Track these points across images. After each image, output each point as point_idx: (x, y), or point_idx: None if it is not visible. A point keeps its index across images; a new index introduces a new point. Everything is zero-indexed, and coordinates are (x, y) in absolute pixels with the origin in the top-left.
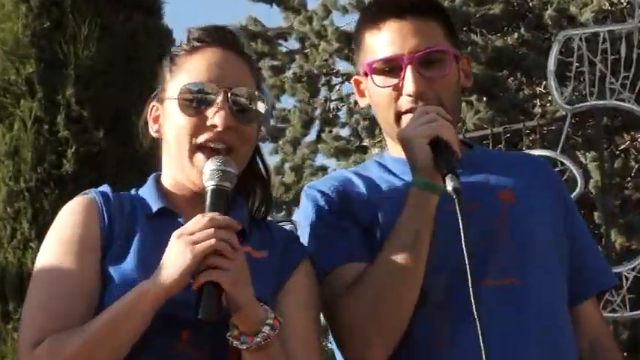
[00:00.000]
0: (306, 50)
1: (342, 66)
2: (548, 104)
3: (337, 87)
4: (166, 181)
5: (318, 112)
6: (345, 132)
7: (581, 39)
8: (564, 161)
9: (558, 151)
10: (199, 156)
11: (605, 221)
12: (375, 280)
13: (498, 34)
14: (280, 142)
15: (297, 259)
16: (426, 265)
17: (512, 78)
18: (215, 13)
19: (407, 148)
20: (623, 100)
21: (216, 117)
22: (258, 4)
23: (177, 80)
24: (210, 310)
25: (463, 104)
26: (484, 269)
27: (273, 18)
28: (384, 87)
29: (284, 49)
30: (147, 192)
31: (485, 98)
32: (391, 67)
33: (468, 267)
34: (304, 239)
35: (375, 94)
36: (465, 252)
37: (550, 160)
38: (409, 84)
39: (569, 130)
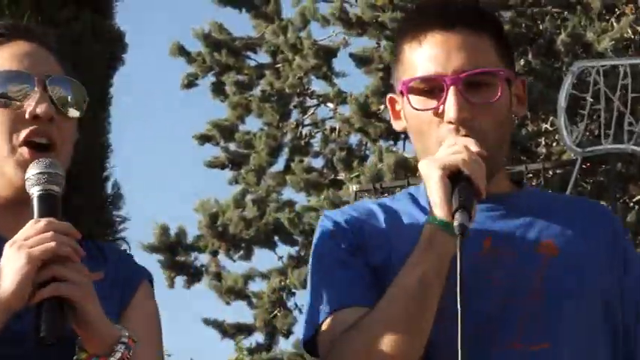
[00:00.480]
0: (278, 65)
1: (318, 86)
2: (554, 144)
3: (311, 110)
4: None
5: (287, 137)
6: (317, 163)
7: (598, 72)
8: None
9: None
10: (24, 150)
11: None
12: (369, 326)
13: None
14: (242, 171)
15: (137, 280)
16: (438, 317)
17: None
18: (176, 15)
19: (425, 181)
20: None
21: (37, 107)
22: (226, 9)
23: None
24: (53, 327)
25: None
26: (510, 330)
27: (242, 26)
28: (422, 110)
29: (252, 63)
30: None
31: None
32: (431, 88)
33: (460, 316)
34: (309, 275)
35: (413, 117)
36: (458, 302)
37: None
38: (450, 109)
39: (579, 175)
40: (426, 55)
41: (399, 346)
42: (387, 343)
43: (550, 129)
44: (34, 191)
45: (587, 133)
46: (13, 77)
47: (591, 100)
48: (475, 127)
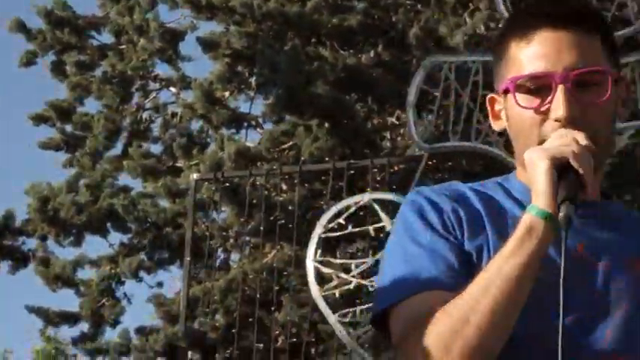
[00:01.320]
0: (122, 47)
1: (162, 70)
2: (399, 138)
3: (154, 94)
4: None
5: (127, 121)
6: (156, 149)
7: (450, 67)
8: None
9: None
10: None
11: None
12: (459, 311)
13: (351, 51)
14: (77, 154)
15: None
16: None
17: (361, 103)
18: None
19: (530, 170)
20: (490, 144)
21: None
22: None
23: None
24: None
25: (300, 129)
26: (599, 337)
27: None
28: (529, 108)
29: (95, 43)
30: None
31: (327, 124)
32: (539, 86)
33: (561, 311)
34: (390, 245)
35: (516, 115)
36: (561, 297)
37: (394, 205)
38: (559, 107)
39: (423, 171)
40: (535, 53)
41: (486, 334)
42: (475, 330)
43: (396, 123)
44: None
45: (435, 129)
46: None
47: (438, 95)
48: (582, 127)
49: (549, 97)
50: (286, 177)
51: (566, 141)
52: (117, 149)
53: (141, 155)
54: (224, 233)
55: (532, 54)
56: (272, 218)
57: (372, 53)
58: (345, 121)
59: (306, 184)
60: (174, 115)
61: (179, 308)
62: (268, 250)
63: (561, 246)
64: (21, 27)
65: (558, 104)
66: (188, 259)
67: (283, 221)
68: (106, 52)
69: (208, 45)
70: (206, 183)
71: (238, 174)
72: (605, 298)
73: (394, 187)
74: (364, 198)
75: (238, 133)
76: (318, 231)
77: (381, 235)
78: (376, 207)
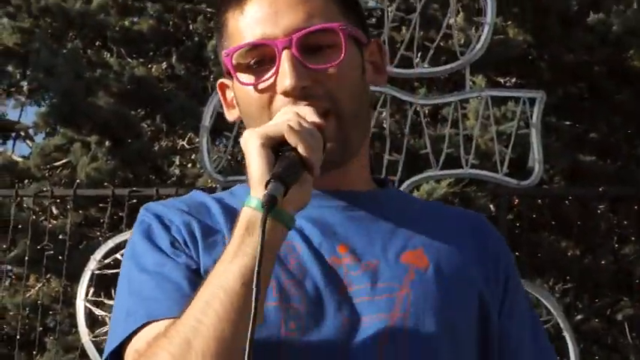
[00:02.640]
0: None
1: None
2: (189, 165)
3: None
4: None
5: None
6: None
7: None
8: None
9: None
10: None
11: None
12: (179, 332)
13: (141, 59)
14: None
15: None
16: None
17: (149, 121)
18: None
19: (245, 156)
20: None
21: None
22: None
23: None
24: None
25: (77, 145)
26: (369, 353)
27: None
28: (249, 85)
29: None
30: None
31: (108, 142)
32: (262, 58)
33: (252, 317)
34: (120, 277)
35: (243, 97)
36: (253, 301)
37: None
38: (285, 77)
39: None
40: (250, 20)
41: (214, 352)
42: (199, 356)
43: (187, 147)
44: None
45: (231, 159)
46: None
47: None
48: (319, 97)
49: (274, 68)
50: (58, 200)
51: (286, 117)
52: None
53: None
54: None
55: (247, 22)
56: (39, 247)
57: (164, 64)
58: (129, 140)
59: (80, 211)
60: None
61: None
62: (33, 283)
63: (316, 253)
64: None
65: (283, 74)
66: None
67: (52, 251)
68: None
69: None
70: None
71: (2, 193)
72: (377, 301)
73: None
74: None
75: (5, 143)
76: (91, 266)
77: None
78: None
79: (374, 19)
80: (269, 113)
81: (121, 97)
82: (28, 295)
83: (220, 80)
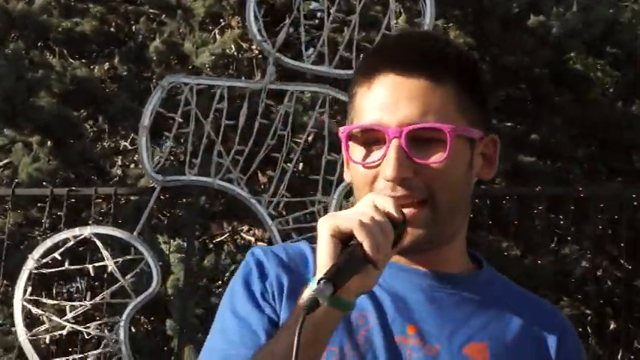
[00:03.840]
0: None
1: None
2: (132, 165)
3: None
4: None
5: None
6: None
7: (191, 89)
8: (139, 247)
9: (135, 232)
10: None
11: (180, 333)
12: None
13: (83, 60)
14: None
15: None
16: None
17: (91, 121)
18: None
19: (318, 239)
20: (230, 181)
21: None
22: None
23: None
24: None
25: (19, 146)
26: None
27: None
28: (358, 163)
29: None
30: None
31: (50, 142)
32: (375, 139)
33: None
34: (216, 317)
35: (352, 168)
36: None
37: (118, 242)
38: (388, 166)
39: (155, 206)
40: (373, 102)
41: None
42: None
43: (130, 148)
44: None
45: (173, 159)
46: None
47: (180, 120)
48: (415, 189)
49: (383, 152)
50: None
51: (363, 209)
52: None
53: None
54: None
55: (370, 102)
56: None
57: (106, 65)
58: (72, 140)
59: (20, 210)
60: None
61: None
62: None
63: (385, 330)
64: None
65: (388, 163)
66: None
67: None
68: None
69: None
70: None
71: None
72: None
73: (120, 221)
74: (85, 231)
75: None
76: (29, 265)
77: (105, 275)
78: (98, 243)
79: (316, 20)
80: (371, 189)
81: (63, 98)
82: None
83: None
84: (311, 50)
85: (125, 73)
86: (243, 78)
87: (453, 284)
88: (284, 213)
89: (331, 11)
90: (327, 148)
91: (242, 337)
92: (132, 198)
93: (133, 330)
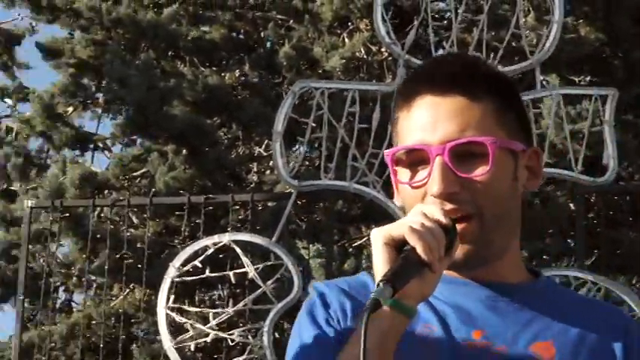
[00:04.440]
0: None
1: None
2: (267, 172)
3: None
4: None
5: None
6: None
7: (323, 94)
8: (279, 253)
9: (274, 238)
10: None
11: None
12: None
13: (214, 68)
14: None
15: None
16: None
17: (225, 129)
18: None
19: (372, 250)
20: (366, 185)
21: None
22: None
23: None
24: None
25: (154, 155)
26: None
27: None
28: (405, 184)
29: None
30: None
31: (185, 151)
32: (418, 160)
33: None
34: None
35: (401, 190)
36: None
37: (257, 248)
38: (434, 183)
39: (292, 212)
40: (413, 123)
41: None
42: None
43: (264, 154)
44: None
45: (308, 164)
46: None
47: (314, 125)
48: (463, 202)
49: (428, 171)
50: (136, 209)
51: (412, 218)
52: None
53: None
54: (66, 270)
55: (411, 124)
56: (118, 256)
57: (237, 72)
58: (206, 148)
59: (159, 219)
60: (9, 130)
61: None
62: (117, 292)
63: (455, 336)
64: None
65: (434, 180)
66: (21, 297)
67: (132, 260)
68: None
69: (49, 52)
70: (43, 211)
71: (80, 203)
72: None
73: (258, 227)
74: (224, 238)
75: (83, 155)
76: (171, 274)
77: (246, 281)
78: (238, 250)
79: (444, 21)
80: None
81: (196, 106)
82: (112, 304)
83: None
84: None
85: (256, 80)
86: (374, 81)
87: (511, 293)
88: None
89: (459, 11)
90: None
91: (309, 358)
92: (269, 204)
93: (277, 335)
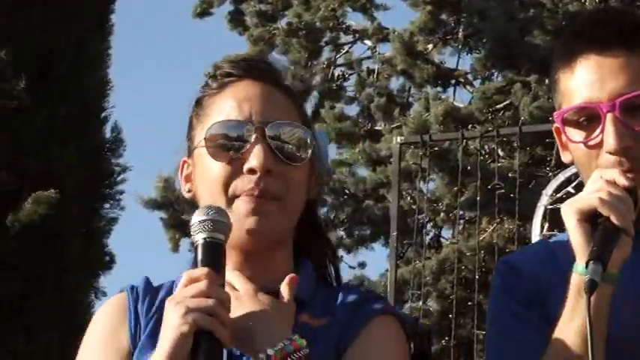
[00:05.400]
0: None
1: (354, 20)
2: None
3: (346, 48)
4: None
5: (317, 79)
6: (352, 110)
7: None
8: None
9: None
10: (238, 203)
11: None
12: None
13: None
14: None
15: (363, 319)
16: None
17: None
18: None
19: (566, 225)
20: None
21: (252, 158)
22: None
23: (206, 124)
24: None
25: (517, 86)
26: None
27: None
28: (579, 142)
29: None
30: None
31: (547, 80)
32: (589, 117)
33: None
34: (487, 324)
35: (573, 150)
36: None
37: None
38: (609, 139)
39: None
40: (579, 83)
41: None
42: None
43: None
44: (199, 238)
45: None
46: (232, 126)
47: None
48: (638, 154)
49: (600, 127)
50: (503, 140)
51: (596, 186)
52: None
53: (334, 117)
54: (434, 206)
55: (576, 84)
56: (489, 188)
57: None
58: None
59: (527, 149)
60: (370, 71)
61: (385, 291)
62: (485, 225)
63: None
64: None
65: (608, 136)
66: (395, 234)
67: (502, 191)
68: (290, 0)
69: None
70: (411, 148)
71: (449, 137)
72: None
73: None
74: None
75: (445, 91)
76: (543, 202)
77: None
78: None
79: None
80: (596, 166)
81: (557, 35)
82: (482, 237)
83: (554, 125)
84: None
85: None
86: None
87: None
88: None
89: None
90: None
91: (525, 346)
92: None
93: None
